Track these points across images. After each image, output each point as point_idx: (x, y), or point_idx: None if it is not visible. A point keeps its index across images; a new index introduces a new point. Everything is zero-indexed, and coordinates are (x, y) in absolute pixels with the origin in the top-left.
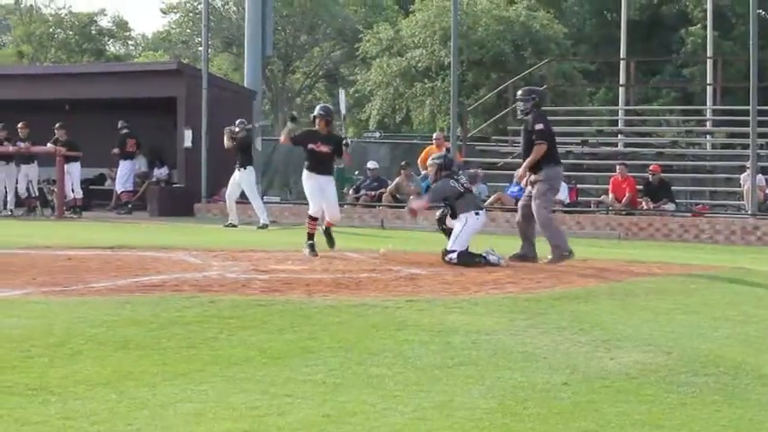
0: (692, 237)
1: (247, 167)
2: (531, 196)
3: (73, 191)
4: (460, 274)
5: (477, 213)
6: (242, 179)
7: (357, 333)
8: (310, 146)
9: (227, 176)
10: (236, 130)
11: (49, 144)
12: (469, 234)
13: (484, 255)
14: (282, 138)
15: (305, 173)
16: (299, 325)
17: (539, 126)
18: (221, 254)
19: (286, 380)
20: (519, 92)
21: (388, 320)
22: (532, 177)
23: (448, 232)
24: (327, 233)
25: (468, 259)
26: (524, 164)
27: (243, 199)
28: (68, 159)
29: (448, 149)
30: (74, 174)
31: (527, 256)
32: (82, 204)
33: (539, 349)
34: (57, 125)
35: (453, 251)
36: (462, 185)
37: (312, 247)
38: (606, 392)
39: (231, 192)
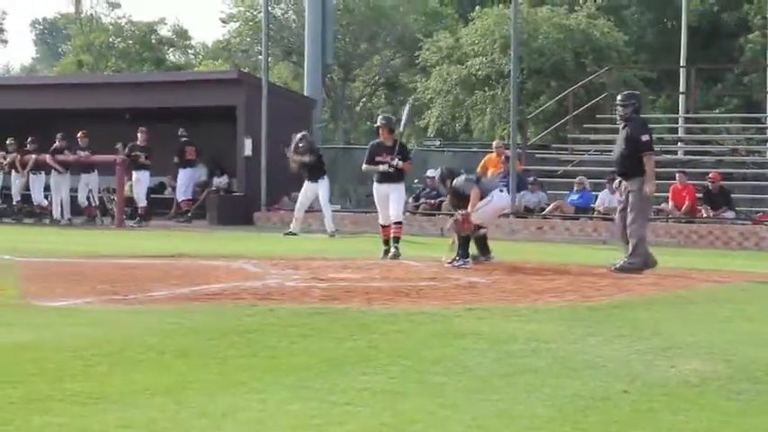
0: (752, 245)
1: (323, 178)
2: (625, 206)
3: (140, 199)
4: (519, 282)
5: (501, 190)
6: (319, 189)
7: (416, 341)
8: (377, 158)
9: (287, 185)
10: (300, 145)
11: (125, 149)
12: (491, 212)
13: (470, 258)
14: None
15: (374, 184)
16: (359, 333)
17: (645, 138)
18: (280, 262)
19: (345, 388)
20: (618, 96)
21: (447, 329)
22: (629, 186)
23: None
24: (394, 242)
25: (462, 243)
26: (648, 181)
27: (309, 208)
28: (138, 167)
29: (507, 157)
30: (142, 182)
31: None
32: (144, 213)
33: (598, 357)
34: (140, 129)
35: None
36: (473, 177)
37: (386, 252)
38: (666, 401)
39: (302, 202)
